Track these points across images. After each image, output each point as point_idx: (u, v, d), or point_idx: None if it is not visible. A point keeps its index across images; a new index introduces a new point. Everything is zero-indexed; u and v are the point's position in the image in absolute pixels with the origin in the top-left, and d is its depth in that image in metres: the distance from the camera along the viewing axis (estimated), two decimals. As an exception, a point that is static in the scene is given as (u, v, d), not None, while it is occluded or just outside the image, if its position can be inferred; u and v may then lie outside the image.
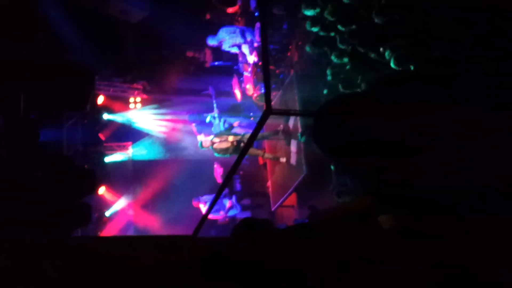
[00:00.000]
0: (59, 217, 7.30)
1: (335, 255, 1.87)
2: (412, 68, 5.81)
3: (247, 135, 10.01)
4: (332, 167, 8.01)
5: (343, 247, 1.89)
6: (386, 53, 6.15)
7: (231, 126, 10.37)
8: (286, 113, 9.83)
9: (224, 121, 11.25)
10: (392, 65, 6.05)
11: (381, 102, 2.04)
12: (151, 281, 2.16)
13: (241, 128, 11.37)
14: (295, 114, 9.55)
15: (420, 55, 5.59)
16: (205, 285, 2.00)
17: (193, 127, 12.06)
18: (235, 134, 10.11)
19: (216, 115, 11.60)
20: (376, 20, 6.33)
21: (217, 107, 11.77)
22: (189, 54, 13.49)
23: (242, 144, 9.82)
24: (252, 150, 10.44)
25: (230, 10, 13.04)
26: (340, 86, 7.17)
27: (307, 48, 8.35)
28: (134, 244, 2.54)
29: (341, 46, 7.23)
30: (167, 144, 13.23)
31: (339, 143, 2.01)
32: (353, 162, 2.13)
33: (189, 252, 2.38)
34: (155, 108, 13.28)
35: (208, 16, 13.26)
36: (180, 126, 13.02)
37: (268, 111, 4.67)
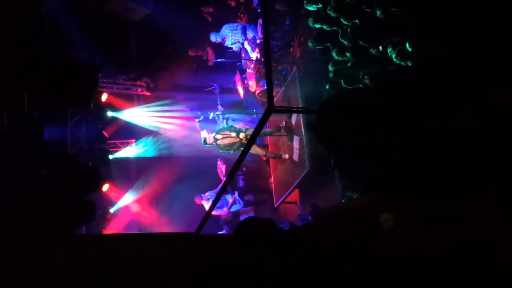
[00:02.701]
0: (63, 215, 7.34)
1: (337, 256, 1.89)
2: (410, 64, 5.81)
3: (250, 130, 10.03)
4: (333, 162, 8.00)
5: (345, 248, 1.91)
6: (388, 49, 6.15)
7: (239, 129, 10.32)
8: (288, 110, 9.83)
9: (227, 119, 11.26)
10: (394, 59, 6.05)
11: (382, 98, 2.05)
12: (155, 277, 2.19)
13: (244, 124, 11.40)
14: (298, 111, 9.55)
15: (420, 50, 5.59)
16: (208, 281, 2.03)
17: (196, 123, 12.08)
18: (237, 130, 10.12)
19: (220, 112, 11.61)
20: (378, 15, 6.33)
21: (221, 104, 11.79)
22: (191, 53, 13.52)
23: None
24: (255, 149, 10.43)
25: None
26: (342, 82, 7.17)
27: (310, 44, 8.34)
28: (138, 241, 2.57)
29: (343, 41, 7.23)
30: (170, 141, 13.25)
31: (341, 140, 2.02)
32: (355, 158, 2.14)
33: (192, 249, 2.41)
34: (158, 105, 13.30)
35: (211, 9, 13.23)
36: (183, 123, 13.04)
37: (270, 109, 4.66)
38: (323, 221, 2.34)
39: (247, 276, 1.94)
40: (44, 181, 7.52)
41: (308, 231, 2.20)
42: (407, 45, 5.81)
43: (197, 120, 12.07)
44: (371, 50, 6.59)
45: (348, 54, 7.13)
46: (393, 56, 6.05)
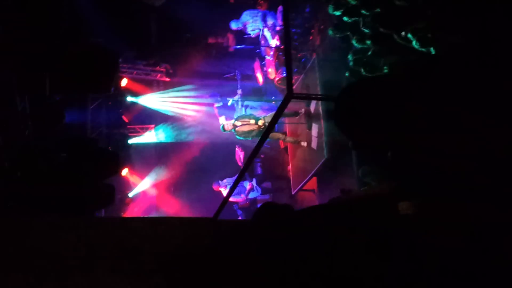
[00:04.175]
0: (82, 198, 7.43)
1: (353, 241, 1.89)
2: (433, 51, 5.75)
3: (269, 117, 10.02)
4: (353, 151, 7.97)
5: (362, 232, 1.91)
6: (409, 35, 6.09)
7: (258, 116, 10.34)
8: (307, 97, 9.79)
9: (246, 106, 11.27)
10: (415, 46, 5.99)
11: (403, 86, 2.04)
12: (173, 260, 2.22)
13: (262, 111, 11.39)
14: (317, 98, 9.51)
15: (442, 39, 5.52)
16: (225, 264, 2.05)
17: (215, 109, 12.11)
18: (255, 117, 10.13)
19: (238, 97, 11.62)
20: (398, 3, 6.27)
21: (241, 90, 11.81)
22: (211, 40, 13.53)
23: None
24: (274, 134, 10.45)
25: None
26: (362, 70, 7.12)
27: (330, 32, 8.29)
28: (157, 224, 2.60)
29: (364, 30, 7.18)
30: (189, 127, 13.30)
31: (360, 128, 2.02)
32: (374, 145, 2.14)
33: (211, 234, 2.43)
34: (177, 91, 13.35)
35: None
36: (202, 109, 13.07)
37: (290, 95, 4.65)
38: (341, 208, 2.35)
39: (265, 261, 1.96)
40: (64, 165, 7.62)
41: (326, 217, 2.21)
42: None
43: (215, 105, 12.08)
44: (393, 37, 6.53)
45: (368, 42, 7.07)
46: (414, 42, 6.00)
